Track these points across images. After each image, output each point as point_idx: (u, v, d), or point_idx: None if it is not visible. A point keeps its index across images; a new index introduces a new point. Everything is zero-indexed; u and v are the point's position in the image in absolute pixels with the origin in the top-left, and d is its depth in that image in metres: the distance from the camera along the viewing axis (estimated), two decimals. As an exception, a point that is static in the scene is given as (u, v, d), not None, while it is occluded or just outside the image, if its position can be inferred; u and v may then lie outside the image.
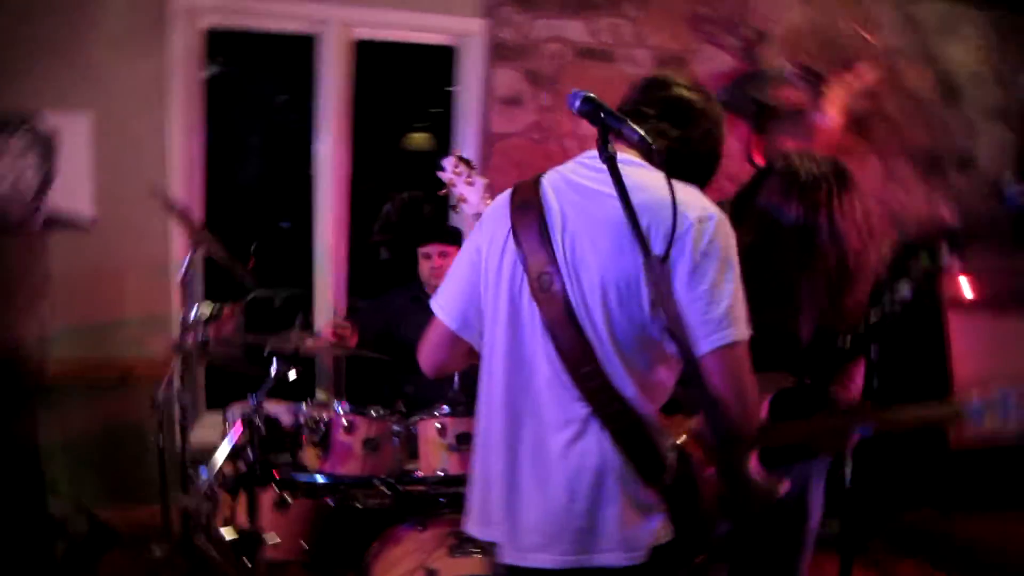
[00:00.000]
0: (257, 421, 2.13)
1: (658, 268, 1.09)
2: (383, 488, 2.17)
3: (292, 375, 2.23)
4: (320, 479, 2.21)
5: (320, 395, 3.36)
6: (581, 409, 1.31)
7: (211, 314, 2.80)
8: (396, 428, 2.30)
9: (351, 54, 3.53)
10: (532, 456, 1.35)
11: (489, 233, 1.46)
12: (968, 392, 1.80)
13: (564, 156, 3.55)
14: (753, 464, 1.62)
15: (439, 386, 3.00)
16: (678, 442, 1.38)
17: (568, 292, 1.30)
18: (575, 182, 1.39)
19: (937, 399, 2.19)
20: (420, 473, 2.27)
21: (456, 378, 2.39)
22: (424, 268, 2.99)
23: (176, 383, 3.18)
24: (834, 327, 1.64)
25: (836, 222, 1.56)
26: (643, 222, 1.25)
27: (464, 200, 2.06)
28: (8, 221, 3.18)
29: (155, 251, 3.36)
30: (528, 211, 1.38)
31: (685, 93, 1.45)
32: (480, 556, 2.12)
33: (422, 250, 3.00)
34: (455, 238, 3.04)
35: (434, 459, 2.26)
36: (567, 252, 1.32)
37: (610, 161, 1.14)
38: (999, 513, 3.77)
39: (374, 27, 3.55)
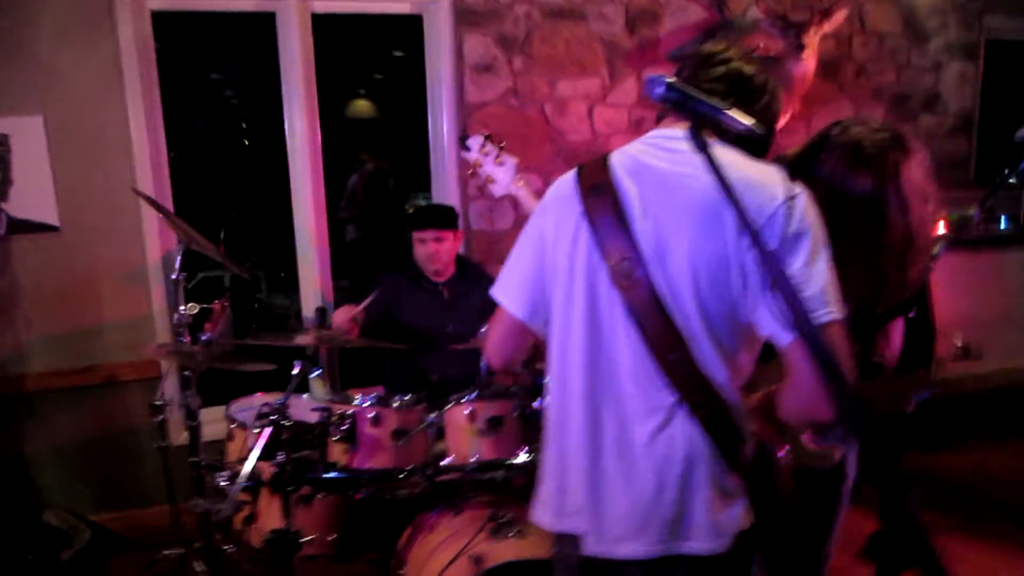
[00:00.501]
0: (284, 422, 2.05)
1: (768, 256, 1.04)
2: (422, 480, 2.12)
3: (316, 373, 2.16)
4: (350, 475, 2.15)
5: (317, 387, 3.28)
6: (668, 397, 1.28)
7: (201, 313, 2.72)
8: (423, 417, 2.24)
9: (310, 28, 3.37)
10: (616, 446, 1.33)
11: (555, 218, 1.41)
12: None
13: (544, 121, 3.59)
14: (806, 436, 1.64)
15: (463, 371, 2.99)
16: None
17: (653, 278, 1.26)
18: (651, 165, 1.34)
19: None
20: (450, 459, 2.23)
21: (483, 363, 2.35)
22: (420, 253, 2.91)
23: (173, 385, 3.10)
24: (897, 298, 1.63)
25: (904, 192, 1.53)
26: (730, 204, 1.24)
27: (493, 181, 2.00)
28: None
29: (128, 251, 3.22)
30: (602, 195, 1.33)
31: (745, 67, 1.40)
32: (522, 538, 2.12)
33: (417, 235, 2.93)
34: (451, 221, 2.97)
35: (464, 445, 2.23)
36: (650, 237, 1.28)
37: (704, 150, 1.09)
38: (968, 446, 4.05)
39: (333, -1, 3.40)
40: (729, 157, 1.27)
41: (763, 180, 1.25)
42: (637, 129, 3.75)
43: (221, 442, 2.65)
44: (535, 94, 3.58)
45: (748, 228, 1.06)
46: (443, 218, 2.95)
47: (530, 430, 2.30)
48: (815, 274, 1.21)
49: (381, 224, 6.30)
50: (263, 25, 3.49)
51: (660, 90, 1.15)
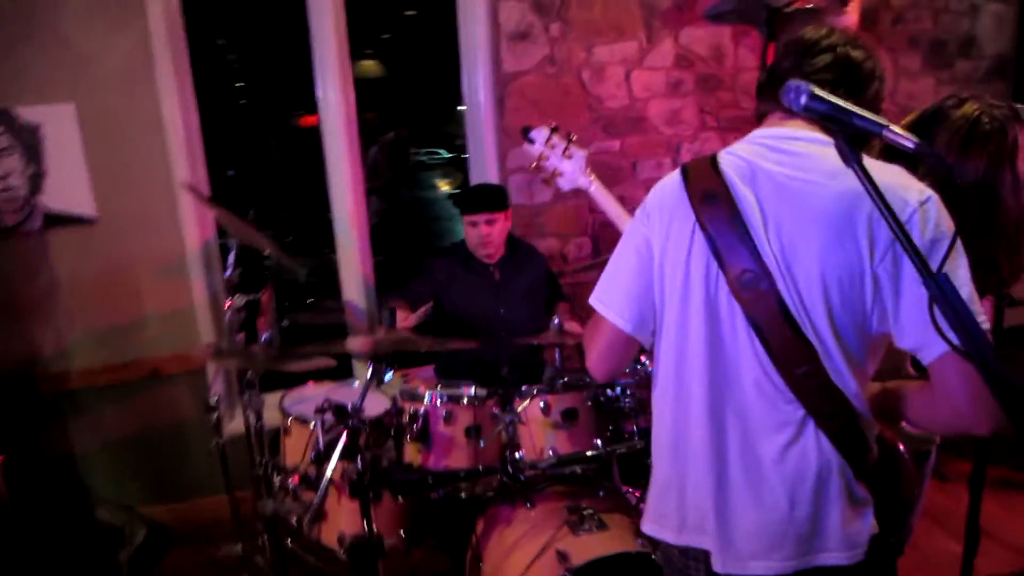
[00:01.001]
0: (360, 425, 2.01)
1: (926, 265, 0.97)
2: (502, 478, 2.10)
3: (389, 376, 2.12)
4: (429, 477, 2.13)
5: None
6: (796, 411, 1.25)
7: (247, 305, 2.66)
8: (496, 412, 2.21)
9: (343, 6, 3.24)
10: (741, 461, 1.30)
11: (663, 225, 1.35)
12: None
13: (582, 90, 3.49)
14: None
15: (533, 364, 2.95)
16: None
17: (781, 290, 1.21)
18: (768, 170, 1.27)
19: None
20: (523, 452, 2.20)
21: (558, 355, 2.31)
22: (472, 236, 2.84)
23: (223, 386, 3.06)
24: (1009, 283, 1.57)
25: (1019, 172, 1.46)
26: (863, 213, 1.18)
27: (560, 175, 1.92)
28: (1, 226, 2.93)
29: (166, 241, 3.15)
30: (717, 203, 1.26)
31: (853, 53, 1.31)
32: (603, 531, 2.11)
33: (468, 218, 2.85)
34: (502, 202, 2.90)
35: (539, 438, 2.20)
36: (774, 248, 1.23)
37: (858, 163, 1.02)
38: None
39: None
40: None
41: (895, 183, 1.19)
42: (675, 91, 3.64)
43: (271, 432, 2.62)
44: (572, 61, 3.46)
45: (902, 237, 0.98)
46: (495, 200, 2.87)
47: (603, 419, 2.28)
48: (957, 282, 1.15)
49: (404, 195, 6.21)
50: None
51: (803, 99, 1.08)
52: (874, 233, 1.17)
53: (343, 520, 2.32)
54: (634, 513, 2.31)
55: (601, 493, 2.33)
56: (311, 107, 3.49)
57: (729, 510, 1.31)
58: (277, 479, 2.56)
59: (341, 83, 3.29)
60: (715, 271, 1.28)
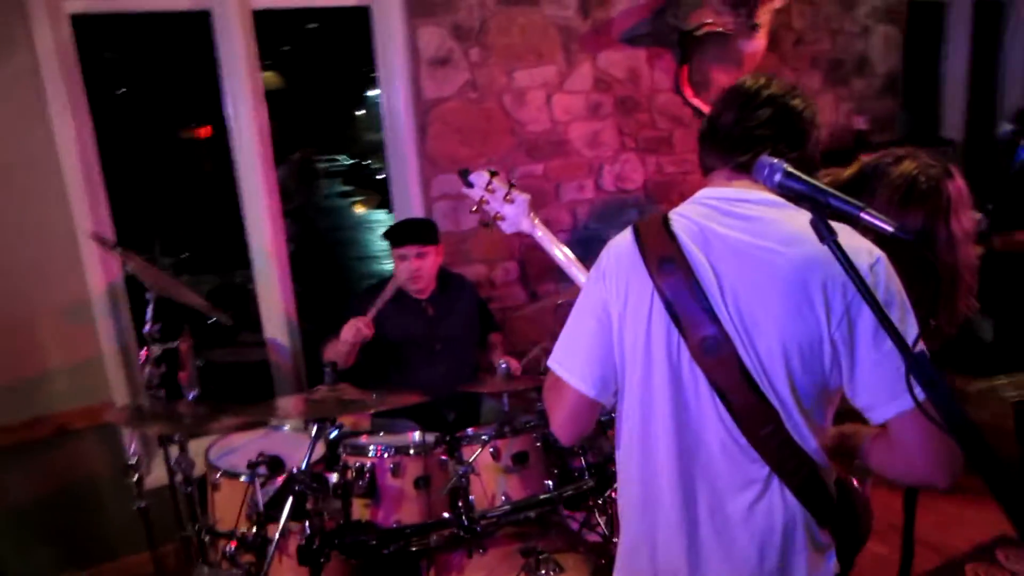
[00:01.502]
0: (308, 490, 1.92)
1: (892, 327, 0.99)
2: (461, 532, 2.04)
3: (335, 434, 2.02)
4: (382, 535, 2.04)
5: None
6: (761, 469, 1.27)
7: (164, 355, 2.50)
8: (444, 459, 2.15)
9: (251, 26, 3.10)
10: (711, 520, 1.31)
11: (620, 289, 1.34)
12: None
13: (504, 115, 3.46)
14: None
15: (470, 399, 2.88)
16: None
17: (742, 356, 1.22)
18: (721, 234, 1.27)
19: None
20: (474, 498, 2.15)
21: (505, 399, 2.27)
22: (402, 270, 2.75)
23: (139, 440, 2.86)
24: (947, 332, 1.63)
25: (952, 227, 1.52)
26: (817, 280, 1.20)
27: (502, 219, 1.88)
28: None
29: (69, 288, 2.91)
30: (673, 269, 1.26)
31: (792, 103, 1.33)
32: (561, 573, 2.09)
33: (398, 251, 2.76)
34: (433, 235, 2.82)
35: (490, 484, 2.16)
36: (733, 315, 1.23)
37: (833, 239, 1.03)
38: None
39: (275, -7, 3.12)
40: (799, 220, 1.21)
41: (846, 246, 1.19)
42: (595, 114, 3.67)
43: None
44: (493, 86, 3.43)
45: (872, 302, 1.00)
46: (424, 233, 2.79)
47: (552, 458, 2.26)
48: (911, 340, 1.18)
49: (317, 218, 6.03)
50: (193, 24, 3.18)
51: (777, 178, 1.10)
52: (829, 299, 1.19)
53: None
54: (585, 548, 2.31)
55: (552, 532, 2.31)
56: (203, 119, 3.32)
57: (702, 565, 1.32)
58: (207, 539, 2.42)
59: (255, 116, 3.14)
60: (676, 337, 1.28)
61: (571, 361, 1.40)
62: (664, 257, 1.28)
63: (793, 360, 1.21)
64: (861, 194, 1.57)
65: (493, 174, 1.88)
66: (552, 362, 1.43)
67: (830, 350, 1.21)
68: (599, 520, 2.44)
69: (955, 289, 1.55)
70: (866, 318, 1.18)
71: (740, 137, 1.34)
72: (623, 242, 1.37)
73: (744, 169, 1.33)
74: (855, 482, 1.55)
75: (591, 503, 2.35)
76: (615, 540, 2.29)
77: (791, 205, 1.26)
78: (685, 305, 1.25)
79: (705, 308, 1.24)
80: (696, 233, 1.29)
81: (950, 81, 5.05)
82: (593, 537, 2.52)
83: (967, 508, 3.08)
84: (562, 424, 1.44)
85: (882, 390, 1.18)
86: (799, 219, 1.22)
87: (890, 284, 1.20)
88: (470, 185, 1.91)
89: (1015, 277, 3.03)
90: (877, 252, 1.22)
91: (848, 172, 1.65)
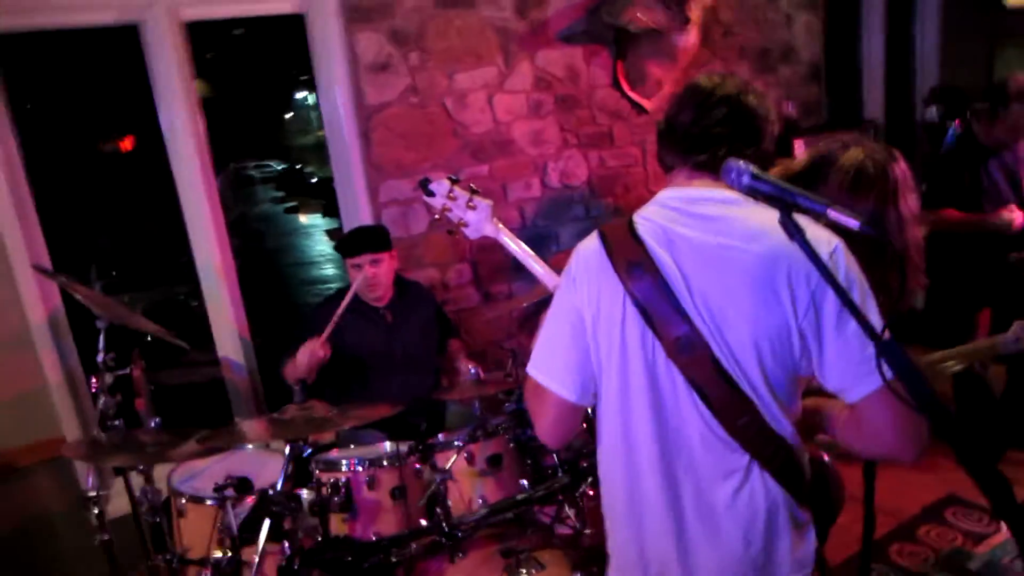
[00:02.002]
0: (285, 510, 1.89)
1: (859, 313, 1.04)
2: (441, 539, 2.05)
3: (308, 452, 1.99)
4: (362, 549, 2.04)
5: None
6: (741, 458, 1.31)
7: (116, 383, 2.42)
8: (418, 467, 2.16)
9: (182, 39, 3.02)
10: (697, 511, 1.35)
11: (592, 294, 1.36)
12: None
13: (447, 118, 3.47)
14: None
15: (436, 404, 2.88)
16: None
17: (715, 352, 1.26)
18: (685, 235, 1.31)
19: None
20: (451, 503, 2.16)
21: (476, 404, 2.28)
22: (358, 280, 2.74)
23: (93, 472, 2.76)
24: (900, 310, 1.70)
25: (901, 208, 1.59)
26: (782, 273, 1.24)
27: (465, 225, 1.89)
28: None
29: (6, 319, 2.79)
30: (642, 273, 1.30)
31: (746, 100, 1.37)
32: (541, 571, 2.12)
33: (352, 261, 2.74)
34: (385, 242, 2.81)
35: (467, 489, 2.18)
36: (704, 313, 1.27)
37: (804, 242, 1.07)
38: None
39: (206, 4, 3.04)
40: (760, 216, 1.26)
41: (810, 236, 1.24)
42: (536, 113, 3.71)
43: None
44: (434, 89, 3.42)
45: (836, 288, 1.05)
46: (377, 240, 2.78)
47: (524, 458, 2.29)
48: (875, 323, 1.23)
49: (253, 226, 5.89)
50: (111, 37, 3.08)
51: (745, 179, 1.13)
52: (795, 291, 1.23)
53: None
54: (562, 543, 2.34)
55: (528, 531, 2.34)
56: (123, 131, 3.23)
57: (690, 555, 1.36)
58: (176, 568, 2.36)
59: (193, 132, 3.07)
60: (650, 338, 1.31)
61: (549, 367, 1.43)
62: (632, 261, 1.32)
63: (764, 353, 1.26)
64: (814, 182, 1.64)
65: (454, 182, 1.89)
66: (531, 369, 1.45)
67: (799, 341, 1.26)
68: (569, 513, 2.49)
69: (906, 268, 1.62)
70: (830, 304, 1.23)
71: (698, 136, 1.37)
72: (591, 247, 1.40)
73: (703, 168, 1.37)
74: (825, 457, 1.62)
75: (560, 497, 2.40)
76: (587, 531, 2.37)
77: (750, 200, 1.30)
78: (657, 307, 1.29)
79: (676, 308, 1.27)
80: (661, 236, 1.33)
81: (868, 65, 5.26)
82: (564, 530, 2.56)
83: (917, 473, 3.25)
84: (547, 430, 1.47)
85: (849, 373, 1.23)
86: (759, 214, 1.27)
87: (849, 269, 1.25)
88: (431, 194, 1.90)
89: (945, 253, 3.19)
90: (835, 240, 1.27)
91: (799, 163, 1.72)
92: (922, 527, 3.02)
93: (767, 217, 1.22)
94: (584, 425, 2.06)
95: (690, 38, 3.76)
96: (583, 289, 1.38)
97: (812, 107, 4.79)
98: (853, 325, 1.21)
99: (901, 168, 1.60)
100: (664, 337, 1.29)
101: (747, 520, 1.32)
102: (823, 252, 1.21)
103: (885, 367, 1.02)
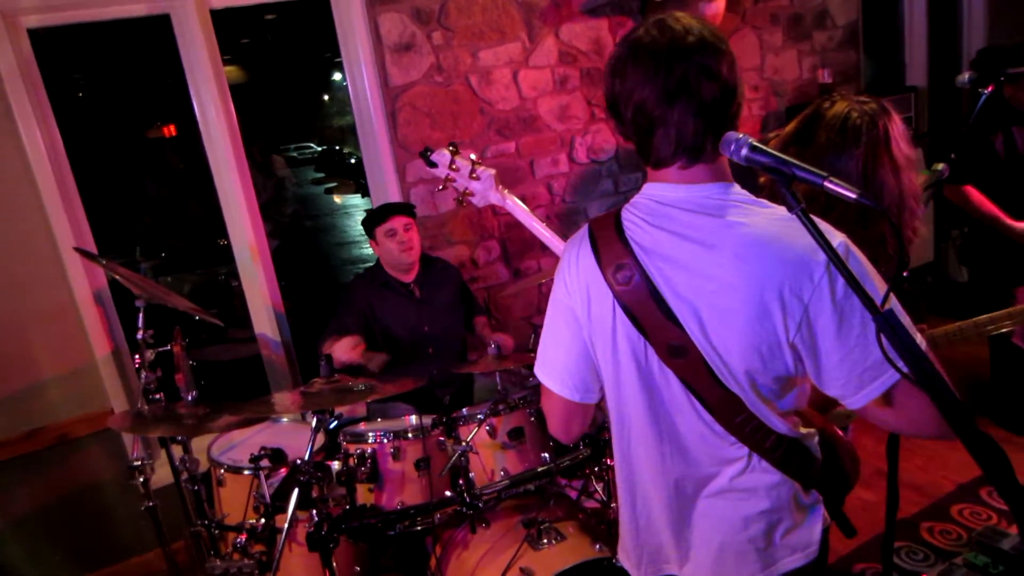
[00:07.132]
0: (313, 479, 1.98)
1: (878, 315, 1.00)
2: (463, 509, 2.12)
3: (333, 424, 2.07)
4: (387, 517, 2.12)
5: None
6: (740, 450, 1.31)
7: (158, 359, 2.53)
8: (443, 440, 2.22)
9: (211, 26, 3.10)
10: (699, 497, 1.36)
11: (583, 299, 1.35)
12: None
13: (473, 96, 3.49)
14: None
15: (463, 379, 2.95)
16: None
17: (707, 358, 1.24)
18: (674, 244, 1.25)
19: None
20: (474, 474, 2.22)
21: (498, 377, 2.33)
22: (391, 247, 2.80)
23: (141, 443, 2.90)
24: (892, 258, 1.64)
25: (894, 152, 1.55)
26: (773, 289, 1.17)
27: (471, 195, 1.92)
28: None
29: (56, 299, 2.94)
30: (631, 278, 1.27)
31: (716, 48, 1.20)
32: (563, 542, 2.17)
33: (385, 227, 2.80)
34: (412, 209, 2.91)
35: (489, 461, 2.23)
36: (693, 318, 1.23)
37: (804, 216, 1.03)
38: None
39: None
40: (763, 216, 1.21)
41: (801, 241, 1.16)
42: (562, 87, 3.70)
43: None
44: (459, 67, 3.45)
45: (847, 276, 1.01)
46: (405, 207, 2.88)
47: (546, 431, 2.32)
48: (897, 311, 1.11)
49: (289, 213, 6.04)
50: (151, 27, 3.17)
51: (744, 152, 1.08)
52: (787, 305, 1.17)
53: (298, 569, 2.28)
54: (584, 515, 2.39)
55: (551, 502, 2.39)
56: (167, 118, 3.34)
57: (692, 540, 1.38)
58: (217, 533, 2.48)
59: (225, 117, 3.15)
60: (643, 344, 1.29)
61: (551, 369, 1.44)
62: (620, 265, 1.29)
63: (754, 363, 1.22)
64: (806, 141, 1.63)
65: (454, 152, 1.91)
66: (537, 370, 1.47)
67: (791, 352, 1.21)
68: (596, 487, 2.54)
69: (901, 214, 1.60)
70: (827, 315, 1.16)
71: (671, 94, 1.22)
72: (581, 249, 1.37)
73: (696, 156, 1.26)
74: (838, 431, 1.60)
75: (587, 471, 2.44)
76: (613, 505, 2.41)
77: (743, 203, 1.24)
78: (646, 312, 1.26)
79: (667, 315, 1.24)
80: (645, 239, 1.28)
81: (911, 28, 5.10)
82: (591, 503, 2.61)
83: (950, 450, 3.19)
84: (557, 428, 1.50)
85: (850, 381, 1.18)
86: (753, 223, 1.20)
87: (859, 263, 1.17)
88: (433, 165, 1.93)
89: (986, 227, 3.12)
90: (840, 237, 1.18)
91: (790, 126, 1.71)
92: (955, 505, 2.97)
93: (762, 225, 1.18)
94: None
95: (718, 5, 3.70)
96: (574, 291, 1.37)
97: (849, 74, 4.68)
98: (855, 334, 1.15)
99: (892, 119, 1.59)
100: (656, 342, 1.27)
101: (747, 503, 1.33)
102: (819, 257, 1.15)
103: (899, 361, 0.98)
